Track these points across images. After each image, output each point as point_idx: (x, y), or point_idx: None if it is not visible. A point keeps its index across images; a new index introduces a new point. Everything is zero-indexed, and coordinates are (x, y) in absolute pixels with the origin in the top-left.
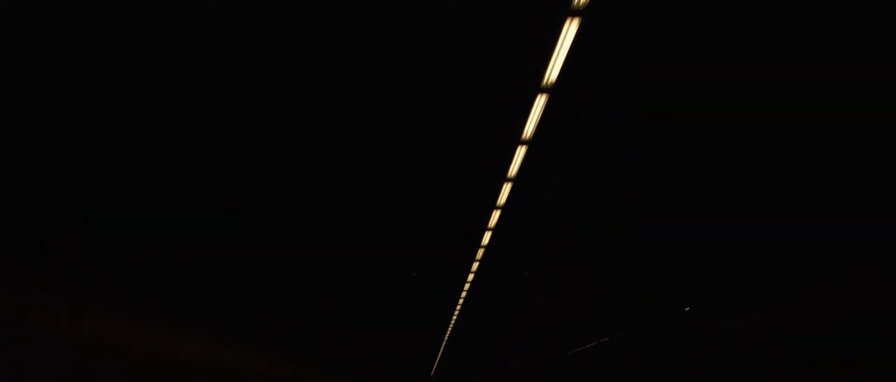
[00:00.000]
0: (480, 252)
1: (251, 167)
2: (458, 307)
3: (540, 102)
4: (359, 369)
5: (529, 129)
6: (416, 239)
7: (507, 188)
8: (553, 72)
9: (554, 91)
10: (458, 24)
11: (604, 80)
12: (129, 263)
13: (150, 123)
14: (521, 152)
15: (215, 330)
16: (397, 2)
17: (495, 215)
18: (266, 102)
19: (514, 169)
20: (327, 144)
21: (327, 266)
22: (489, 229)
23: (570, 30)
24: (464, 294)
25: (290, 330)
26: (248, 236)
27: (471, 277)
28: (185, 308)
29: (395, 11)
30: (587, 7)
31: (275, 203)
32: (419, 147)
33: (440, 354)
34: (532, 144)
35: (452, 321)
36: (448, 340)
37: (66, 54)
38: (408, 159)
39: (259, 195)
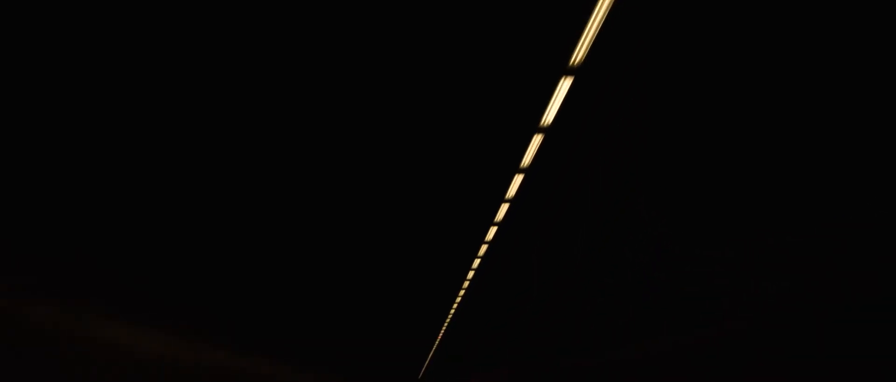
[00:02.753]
0: (476, 261)
1: (243, 169)
2: (452, 311)
3: (536, 140)
4: (340, 367)
5: (527, 160)
6: (415, 244)
7: (504, 208)
8: (549, 116)
9: (549, 132)
10: (470, 75)
11: (595, 124)
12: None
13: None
14: (518, 180)
15: (201, 330)
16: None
17: (492, 231)
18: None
19: (512, 191)
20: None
21: (315, 262)
22: (486, 242)
23: (563, 86)
24: (458, 300)
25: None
26: (233, 233)
27: (466, 283)
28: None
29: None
30: (580, 68)
31: (267, 200)
32: (427, 163)
33: (430, 356)
34: (528, 172)
35: (444, 325)
36: (439, 344)
37: (65, 54)
38: (416, 170)
39: (251, 191)
